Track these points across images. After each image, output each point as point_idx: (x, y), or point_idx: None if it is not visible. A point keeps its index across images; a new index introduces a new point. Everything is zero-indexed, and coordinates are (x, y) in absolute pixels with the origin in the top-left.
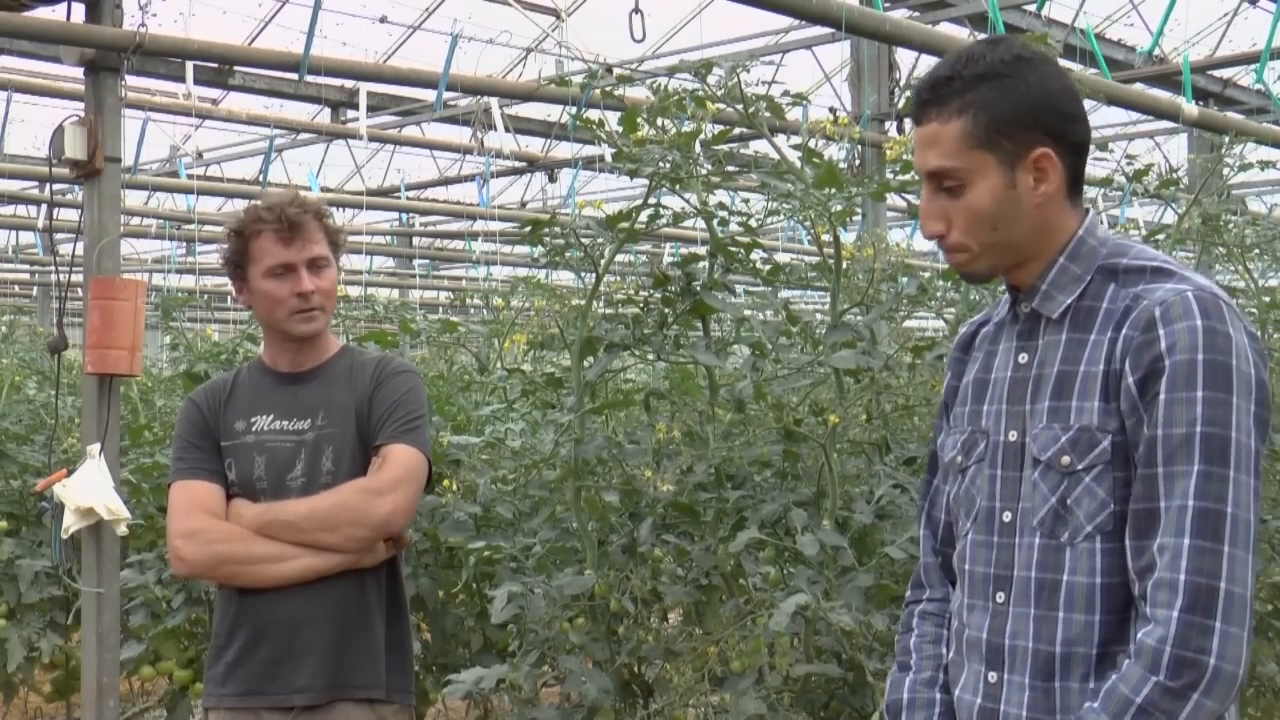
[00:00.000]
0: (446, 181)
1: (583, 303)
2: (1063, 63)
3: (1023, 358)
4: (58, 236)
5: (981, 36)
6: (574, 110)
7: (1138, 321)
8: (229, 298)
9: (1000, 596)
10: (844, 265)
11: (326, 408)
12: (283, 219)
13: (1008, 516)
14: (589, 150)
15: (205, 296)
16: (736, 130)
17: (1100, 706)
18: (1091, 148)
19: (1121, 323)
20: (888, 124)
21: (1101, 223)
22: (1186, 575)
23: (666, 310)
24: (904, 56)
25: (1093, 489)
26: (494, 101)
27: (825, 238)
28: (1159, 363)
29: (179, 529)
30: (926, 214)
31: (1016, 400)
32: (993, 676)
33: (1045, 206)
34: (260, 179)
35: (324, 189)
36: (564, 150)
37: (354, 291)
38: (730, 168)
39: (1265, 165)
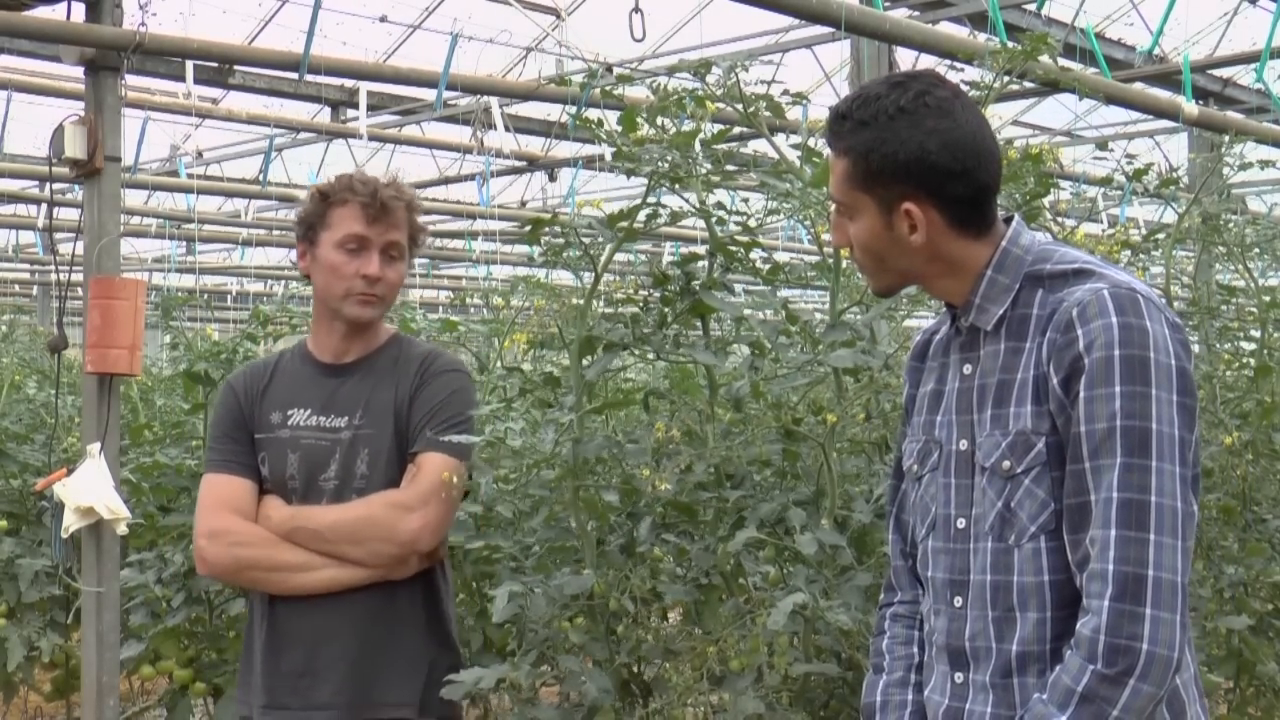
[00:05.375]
0: (446, 181)
1: (582, 302)
2: (1063, 62)
3: (967, 369)
4: (58, 236)
5: (982, 36)
6: (574, 110)
7: (1058, 324)
8: (229, 297)
9: (959, 601)
10: (843, 264)
11: (366, 405)
12: (376, 197)
13: (961, 523)
14: (589, 150)
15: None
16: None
17: (1048, 697)
18: (1092, 147)
19: (1046, 327)
20: None
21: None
22: (1114, 565)
23: (666, 309)
24: (904, 56)
25: (1033, 490)
26: (494, 101)
27: (825, 237)
28: (1079, 362)
29: (204, 527)
30: (834, 228)
31: (964, 410)
32: (959, 677)
33: (929, 245)
34: (260, 178)
35: None
36: (564, 150)
37: None
38: (730, 167)
39: (1265, 165)
